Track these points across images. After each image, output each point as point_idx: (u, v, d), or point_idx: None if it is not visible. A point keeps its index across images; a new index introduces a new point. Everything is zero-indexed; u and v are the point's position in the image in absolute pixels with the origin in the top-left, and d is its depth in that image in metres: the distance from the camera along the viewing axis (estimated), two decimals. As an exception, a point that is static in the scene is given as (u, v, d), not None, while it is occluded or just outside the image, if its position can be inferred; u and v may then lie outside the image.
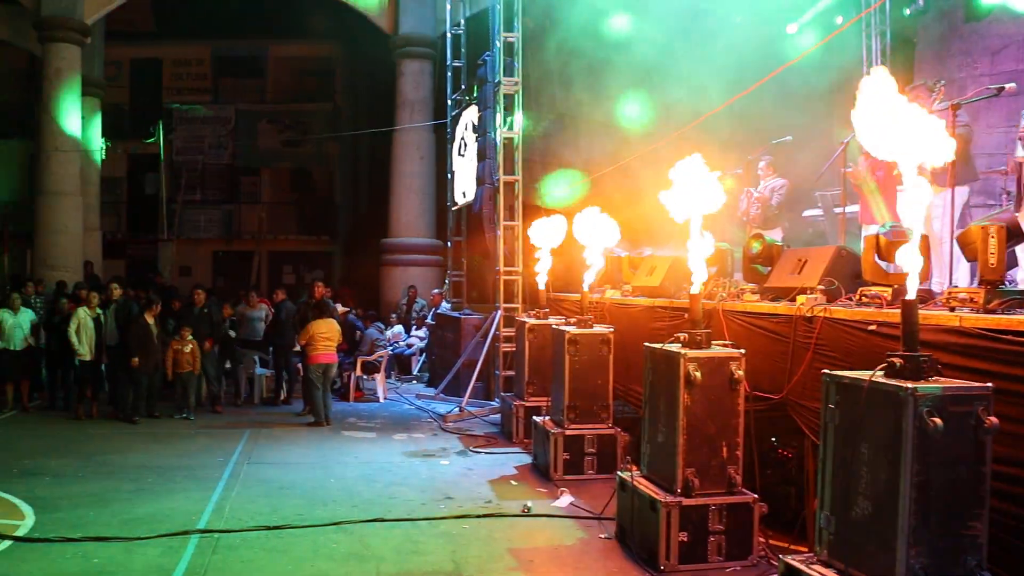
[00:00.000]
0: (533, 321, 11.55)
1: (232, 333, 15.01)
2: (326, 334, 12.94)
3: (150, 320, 13.15)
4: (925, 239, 6.54)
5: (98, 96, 24.35)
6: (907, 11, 12.20)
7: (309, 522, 7.70)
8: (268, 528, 7.49)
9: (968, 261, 6.53)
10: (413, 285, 19.87)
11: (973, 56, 11.53)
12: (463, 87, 17.58)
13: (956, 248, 6.46)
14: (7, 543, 7.06)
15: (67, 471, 9.68)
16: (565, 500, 8.39)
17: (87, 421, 12.94)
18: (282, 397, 14.89)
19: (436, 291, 18.91)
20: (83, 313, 13.09)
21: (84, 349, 13.04)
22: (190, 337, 13.42)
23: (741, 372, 6.50)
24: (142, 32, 28.20)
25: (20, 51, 24.75)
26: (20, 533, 7.32)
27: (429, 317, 18.30)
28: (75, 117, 20.46)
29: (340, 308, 15.77)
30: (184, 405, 13.32)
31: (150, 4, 27.00)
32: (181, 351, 13.36)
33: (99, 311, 13.30)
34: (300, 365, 14.31)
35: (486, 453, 10.83)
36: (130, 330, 13.14)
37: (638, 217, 12.94)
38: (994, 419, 4.25)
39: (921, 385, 4.26)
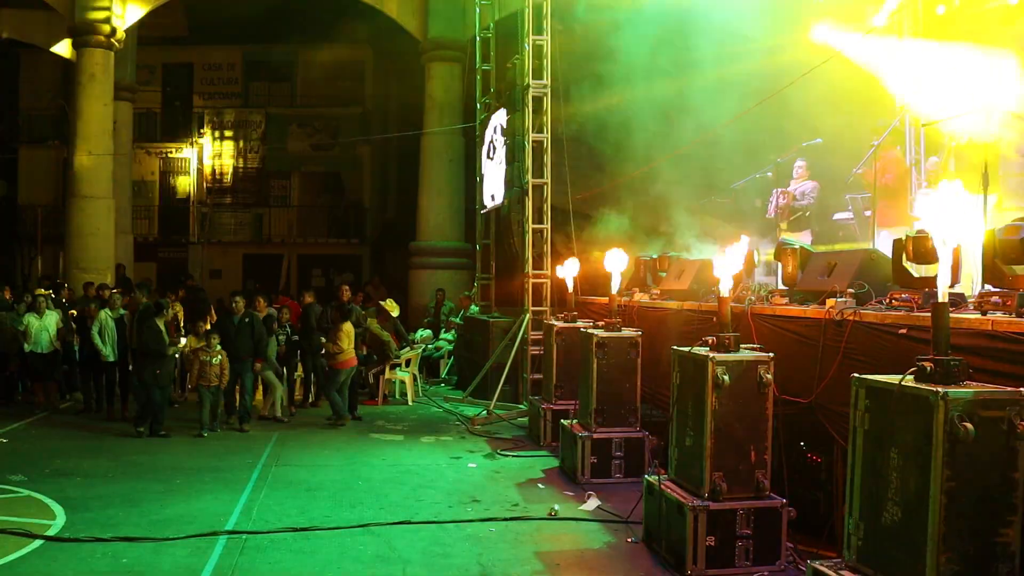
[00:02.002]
0: (561, 324, 11.50)
1: (296, 338, 14.49)
2: (350, 337, 13.03)
3: (162, 326, 11.96)
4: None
5: (130, 100, 24.59)
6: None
7: (336, 524, 7.73)
8: (295, 530, 7.52)
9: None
10: (442, 288, 19.90)
11: (1010, 58, 11.36)
12: (492, 90, 17.59)
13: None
14: (38, 542, 7.14)
15: (97, 471, 9.78)
16: (592, 503, 8.37)
17: (118, 422, 13.01)
18: (310, 400, 14.92)
19: (465, 294, 18.93)
20: (104, 315, 13.09)
21: (108, 351, 13.10)
22: (218, 347, 12.19)
23: (770, 376, 6.45)
24: (174, 37, 28.48)
25: (53, 56, 25.09)
26: (51, 533, 7.40)
27: (457, 320, 18.32)
28: (107, 121, 20.65)
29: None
30: (207, 420, 12.08)
31: (182, 9, 27.25)
32: (209, 362, 12.12)
33: (122, 311, 13.28)
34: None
35: (513, 456, 10.81)
36: (143, 335, 12.10)
37: (666, 219, 12.90)
38: (1027, 424, 4.18)
39: (952, 390, 4.19)
